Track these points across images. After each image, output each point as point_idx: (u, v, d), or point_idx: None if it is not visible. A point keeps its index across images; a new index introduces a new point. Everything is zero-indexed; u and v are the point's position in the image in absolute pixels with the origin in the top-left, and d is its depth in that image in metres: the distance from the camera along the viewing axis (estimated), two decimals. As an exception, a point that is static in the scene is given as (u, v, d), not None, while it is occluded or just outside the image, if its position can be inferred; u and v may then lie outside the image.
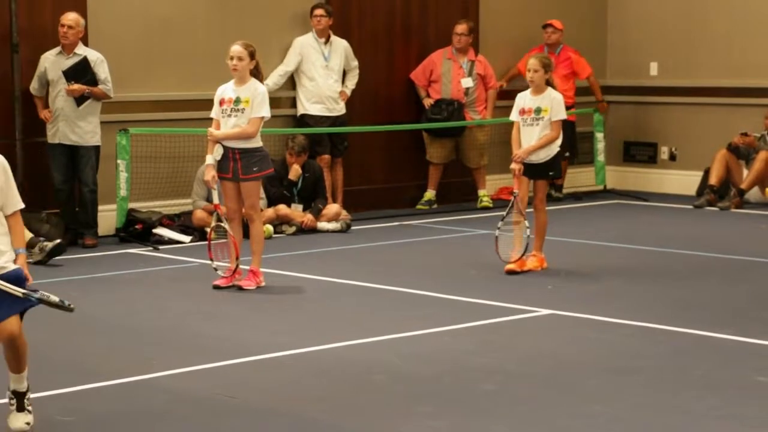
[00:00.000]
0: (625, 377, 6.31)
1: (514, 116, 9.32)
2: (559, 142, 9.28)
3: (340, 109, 12.13)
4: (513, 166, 9.20)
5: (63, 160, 10.38)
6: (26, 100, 10.50)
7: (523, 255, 9.07)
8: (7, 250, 5.18)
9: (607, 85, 14.42)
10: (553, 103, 9.17)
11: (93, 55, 10.38)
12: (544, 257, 9.32)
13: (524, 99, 9.28)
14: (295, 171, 11.29)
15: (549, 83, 9.26)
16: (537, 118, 9.17)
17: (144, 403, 5.89)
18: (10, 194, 5.21)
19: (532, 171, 9.21)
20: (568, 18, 13.77)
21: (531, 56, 9.71)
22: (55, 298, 5.05)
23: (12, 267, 5.15)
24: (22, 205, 5.28)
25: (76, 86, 10.23)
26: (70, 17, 10.29)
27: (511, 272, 9.05)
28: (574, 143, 13.33)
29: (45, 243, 9.59)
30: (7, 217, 5.22)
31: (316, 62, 11.96)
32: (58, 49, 10.34)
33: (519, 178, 9.17)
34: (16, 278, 5.10)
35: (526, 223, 9.07)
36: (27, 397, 5.35)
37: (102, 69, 10.37)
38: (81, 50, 10.38)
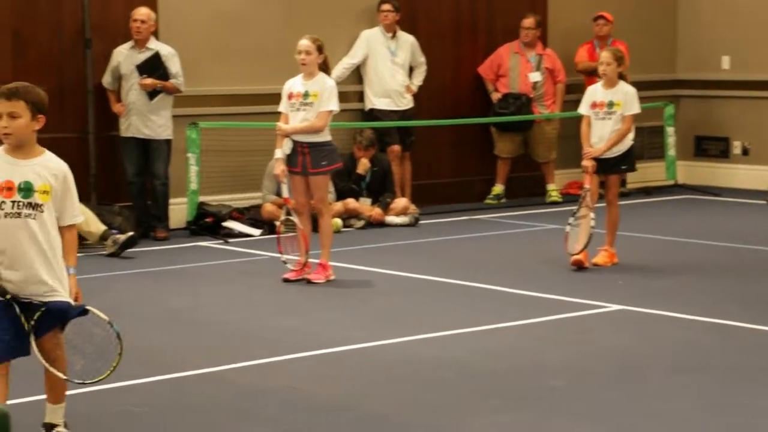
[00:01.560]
0: (695, 375, 6.24)
1: (583, 109, 9.24)
2: (632, 135, 9.20)
3: (407, 103, 12.13)
4: (585, 163, 9.13)
5: (135, 154, 10.50)
6: (99, 95, 10.63)
7: (585, 246, 8.99)
8: (59, 269, 4.90)
9: (678, 78, 14.26)
10: (626, 97, 9.08)
11: (165, 50, 10.48)
12: (615, 252, 9.25)
13: (596, 92, 9.20)
14: (363, 165, 11.31)
15: (622, 76, 9.18)
16: (609, 112, 9.09)
17: (213, 395, 5.95)
18: (68, 204, 4.93)
19: (604, 166, 9.14)
20: (637, 11, 13.63)
21: (604, 49, 9.60)
22: (104, 317, 4.93)
23: (60, 296, 4.87)
24: (81, 218, 5.06)
25: (148, 80, 10.34)
26: (142, 12, 10.41)
27: (577, 264, 9.00)
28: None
29: (118, 235, 9.71)
30: (61, 229, 4.94)
31: (383, 57, 11.97)
32: (130, 43, 10.47)
33: (590, 175, 9.10)
34: (60, 313, 4.86)
35: (593, 215, 9.00)
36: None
37: (173, 63, 10.47)
38: (153, 44, 10.49)
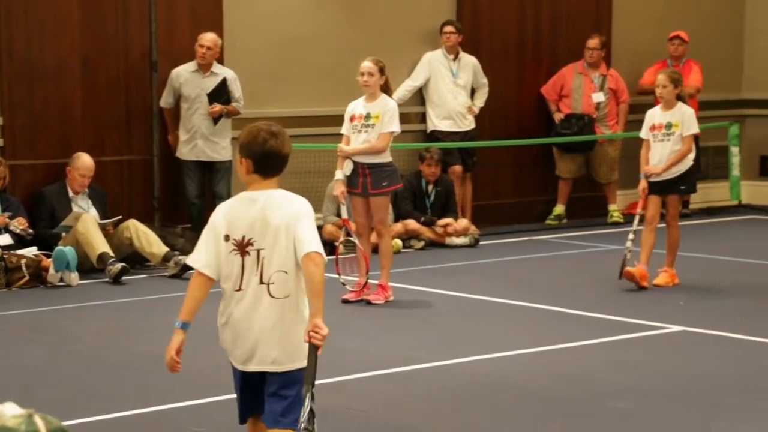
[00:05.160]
0: (761, 395, 6.16)
1: (644, 134, 9.21)
2: (692, 156, 9.15)
3: (468, 124, 12.14)
4: (641, 185, 9.11)
5: (198, 175, 10.61)
6: (164, 117, 10.75)
7: (623, 266, 8.97)
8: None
9: (743, 98, 14.12)
10: (684, 118, 9.04)
11: (228, 74, 10.59)
12: (675, 273, 9.18)
13: (654, 115, 9.17)
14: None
15: (680, 98, 9.13)
16: (668, 134, 9.05)
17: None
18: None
19: (662, 186, 9.08)
20: (702, 30, 13.53)
21: (659, 71, 9.57)
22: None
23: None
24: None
25: (217, 107, 10.45)
26: (209, 38, 10.50)
27: (628, 277, 8.96)
28: (698, 159, 12.99)
29: (180, 257, 9.79)
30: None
31: (445, 78, 12.00)
32: (192, 65, 10.56)
33: (643, 197, 9.07)
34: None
35: (631, 236, 8.96)
36: None
37: (236, 87, 10.58)
38: (217, 69, 10.59)
